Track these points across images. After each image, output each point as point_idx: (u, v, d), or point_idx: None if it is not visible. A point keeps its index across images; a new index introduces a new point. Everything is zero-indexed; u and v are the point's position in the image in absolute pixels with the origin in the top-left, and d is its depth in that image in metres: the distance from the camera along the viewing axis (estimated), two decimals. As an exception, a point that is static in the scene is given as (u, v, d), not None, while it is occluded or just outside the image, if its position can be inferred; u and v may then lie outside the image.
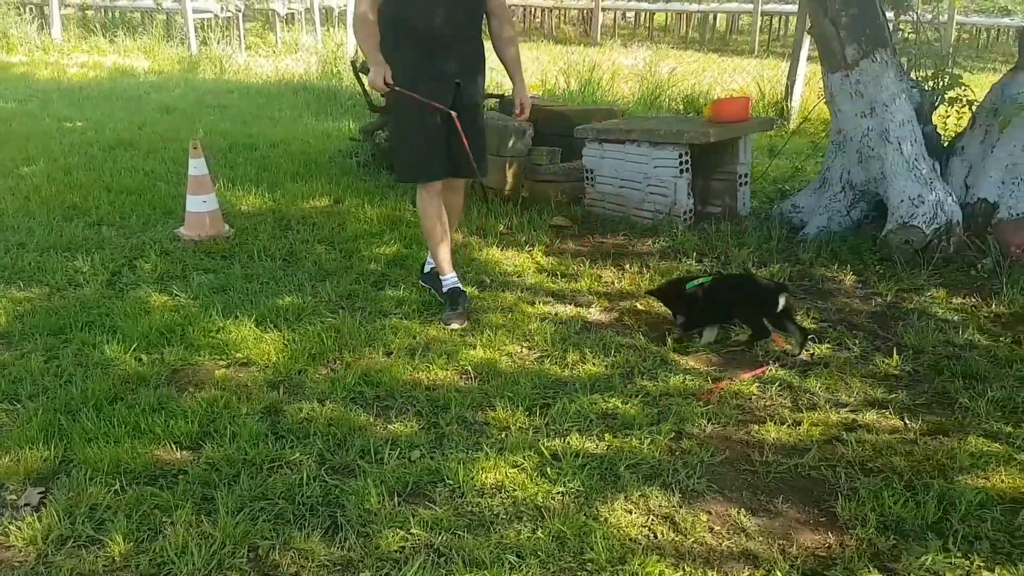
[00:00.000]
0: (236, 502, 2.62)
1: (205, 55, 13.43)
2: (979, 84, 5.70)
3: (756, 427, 3.14)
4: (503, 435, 3.03)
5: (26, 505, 2.60)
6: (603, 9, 20.60)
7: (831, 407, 3.28)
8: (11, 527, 2.49)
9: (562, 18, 23.00)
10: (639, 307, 4.20)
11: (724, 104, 5.85)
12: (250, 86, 11.62)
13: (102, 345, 3.63)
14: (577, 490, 2.71)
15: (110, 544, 2.42)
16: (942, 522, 2.58)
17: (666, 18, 23.24)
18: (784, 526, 2.60)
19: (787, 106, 9.59)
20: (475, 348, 3.69)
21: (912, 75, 5.29)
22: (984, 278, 4.57)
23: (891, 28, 5.21)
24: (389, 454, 2.89)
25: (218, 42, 14.07)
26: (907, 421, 3.19)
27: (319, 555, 2.42)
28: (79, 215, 5.41)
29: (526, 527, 2.53)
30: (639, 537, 2.52)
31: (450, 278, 4.15)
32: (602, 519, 2.58)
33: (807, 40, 8.75)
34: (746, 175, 5.72)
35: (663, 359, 3.67)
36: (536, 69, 12.45)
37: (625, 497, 2.69)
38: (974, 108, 5.17)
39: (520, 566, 2.37)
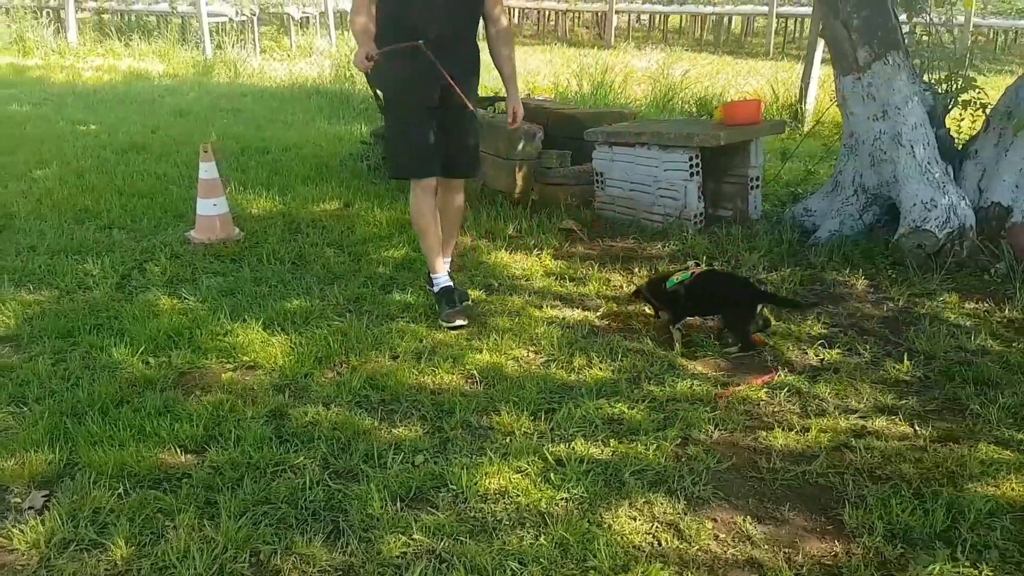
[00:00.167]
0: (239, 506, 2.61)
1: (220, 59, 13.50)
2: (995, 87, 5.65)
3: (764, 433, 3.11)
4: (507, 440, 3.01)
5: (30, 508, 2.61)
6: (617, 12, 20.55)
7: (840, 413, 3.25)
8: (14, 530, 2.49)
9: (576, 21, 22.98)
10: (647, 311, 4.18)
11: (735, 107, 5.82)
12: (264, 90, 11.67)
13: (110, 348, 3.64)
14: (581, 496, 2.69)
15: (112, 548, 2.42)
16: (951, 531, 2.55)
17: (680, 20, 23.17)
18: (790, 534, 2.57)
19: (801, 109, 9.52)
20: (481, 352, 3.68)
21: (925, 78, 5.24)
22: (997, 283, 4.52)
23: (904, 30, 5.16)
24: (393, 458, 2.88)
25: (232, 46, 14.13)
26: (917, 428, 3.15)
27: (320, 560, 2.41)
28: (90, 218, 5.44)
29: (529, 533, 2.52)
30: (643, 544, 2.49)
31: (441, 277, 4.15)
32: (606, 526, 2.56)
33: (821, 42, 8.69)
34: (757, 178, 5.68)
35: (671, 364, 3.64)
36: (549, 72, 12.45)
37: (629, 504, 2.67)
38: (988, 111, 5.12)
39: (522, 573, 2.36)
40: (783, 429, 3.12)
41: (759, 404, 3.33)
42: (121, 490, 2.69)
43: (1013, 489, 2.73)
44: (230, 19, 15.12)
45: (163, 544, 2.45)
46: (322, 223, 5.45)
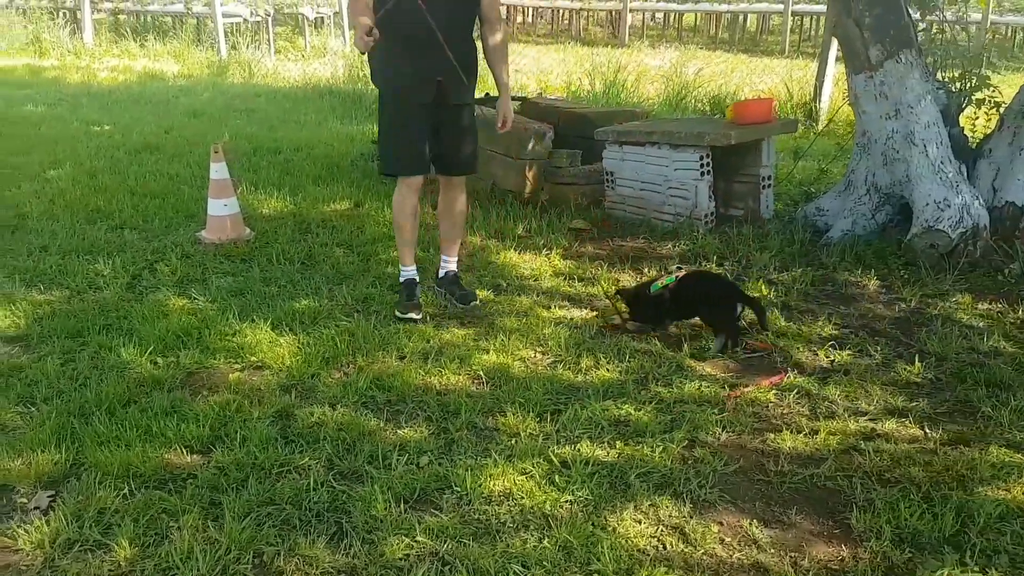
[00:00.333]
0: (243, 507, 2.61)
1: (234, 59, 13.55)
2: (1012, 85, 5.59)
3: (772, 436, 3.08)
4: (513, 441, 3.00)
5: (35, 508, 2.62)
6: (631, 10, 20.48)
7: (850, 416, 3.21)
8: (19, 530, 2.50)
9: (590, 19, 22.93)
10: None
11: (746, 106, 5.79)
12: (278, 90, 11.71)
13: (118, 348, 3.65)
14: (586, 499, 2.67)
15: (116, 549, 2.42)
16: (960, 535, 2.52)
17: (695, 18, 23.08)
18: (797, 538, 2.54)
19: (815, 107, 9.45)
20: (488, 353, 3.67)
21: (939, 76, 5.19)
22: (1011, 283, 4.47)
23: (917, 28, 5.11)
24: (397, 460, 2.88)
25: (247, 46, 14.18)
26: (927, 430, 3.11)
27: (323, 562, 2.41)
28: (102, 218, 5.47)
29: (533, 536, 2.50)
30: (647, 548, 2.47)
31: (410, 271, 4.23)
32: (610, 529, 2.54)
33: (835, 40, 8.63)
34: (769, 177, 5.64)
35: (679, 365, 3.62)
36: (561, 71, 12.43)
37: (635, 506, 2.65)
38: (1002, 110, 5.06)
39: (525, 576, 2.34)
40: (792, 431, 3.10)
41: (768, 406, 3.30)
42: (126, 490, 2.69)
43: (1024, 493, 2.70)
44: (245, 19, 15.18)
45: (167, 545, 2.45)
46: (332, 223, 5.46)
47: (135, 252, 4.88)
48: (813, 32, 20.14)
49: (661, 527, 2.57)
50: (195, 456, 2.92)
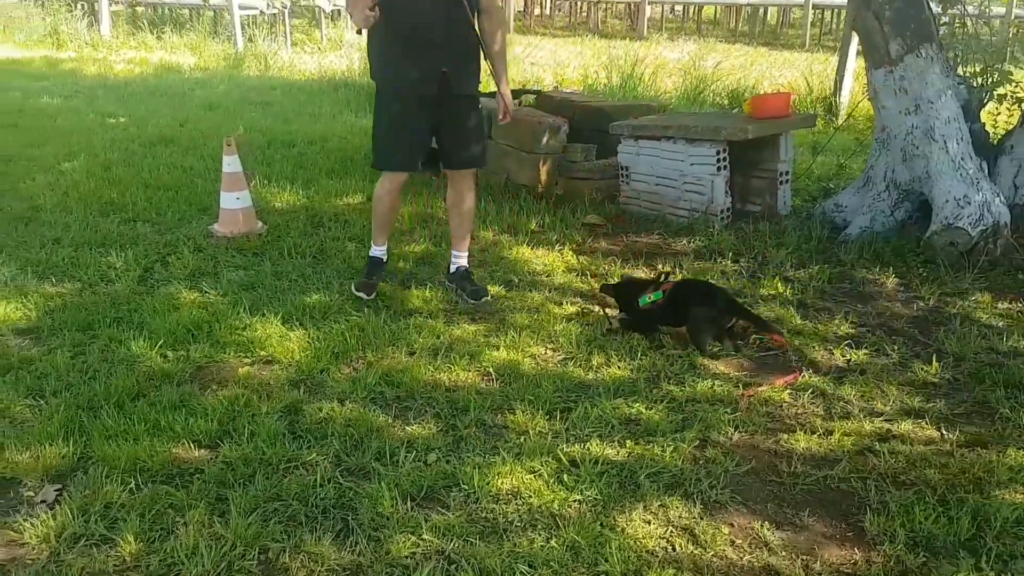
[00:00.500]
0: (250, 503, 2.60)
1: (250, 52, 13.56)
2: (1036, 80, 5.48)
3: (785, 436, 3.03)
4: (521, 439, 2.97)
5: (42, 502, 2.61)
6: (650, 3, 20.36)
7: (865, 416, 3.16)
8: (26, 524, 2.49)
9: (609, 12, 22.83)
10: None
11: (764, 100, 5.72)
12: (293, 83, 11.71)
13: (129, 341, 3.65)
14: (594, 498, 2.64)
15: (122, 544, 2.41)
16: (975, 539, 2.47)
17: (715, 11, 22.94)
18: (809, 541, 2.50)
19: (835, 102, 9.36)
20: (498, 349, 3.64)
21: (960, 71, 5.11)
22: (1032, 282, 4.40)
23: (938, 22, 5.03)
24: (405, 456, 2.85)
25: (263, 39, 14.19)
26: (944, 432, 3.06)
27: (329, 559, 2.39)
28: (116, 211, 5.47)
29: (540, 535, 2.47)
30: (656, 549, 2.44)
31: (379, 249, 4.35)
32: (619, 529, 2.51)
33: (855, 34, 8.53)
34: (787, 173, 5.57)
35: (691, 363, 3.57)
36: (578, 64, 12.36)
37: (644, 507, 2.62)
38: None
39: (531, 576, 2.32)
40: (805, 432, 3.05)
41: (782, 406, 3.25)
42: (133, 485, 2.68)
43: (1043, 497, 2.64)
44: (261, 12, 15.20)
45: (172, 540, 2.43)
46: (344, 217, 5.44)
47: (147, 245, 4.88)
48: (834, 26, 19.98)
49: (671, 528, 2.53)
50: (203, 451, 2.90)
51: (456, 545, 2.43)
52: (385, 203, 4.21)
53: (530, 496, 2.65)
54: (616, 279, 4.34)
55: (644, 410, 3.17)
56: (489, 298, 4.18)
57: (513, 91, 7.15)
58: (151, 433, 2.96)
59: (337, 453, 2.88)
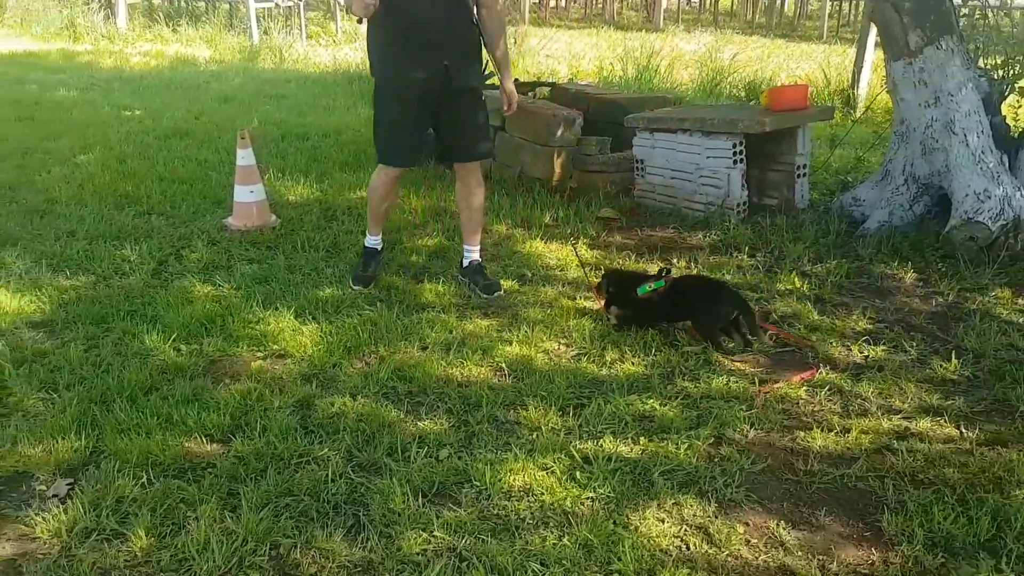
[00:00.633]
0: (261, 498, 2.59)
1: (265, 44, 13.58)
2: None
3: (802, 434, 2.99)
4: (534, 436, 2.94)
5: (54, 496, 2.61)
6: (666, -6, 20.25)
7: (883, 414, 3.12)
8: (38, 518, 2.49)
9: (624, 3, 22.71)
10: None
11: (781, 92, 5.65)
12: (308, 76, 11.71)
13: (142, 335, 3.65)
14: (608, 496, 2.61)
15: (133, 539, 2.41)
16: (995, 540, 2.43)
17: (732, 3, 22.78)
18: (825, 540, 2.46)
19: (853, 94, 9.26)
20: (511, 344, 3.61)
21: (980, 63, 5.03)
22: (1054, 278, 4.33)
23: (958, 13, 4.95)
24: (417, 452, 2.83)
25: (279, 31, 14.20)
26: (963, 430, 3.01)
27: (340, 555, 2.37)
28: (130, 204, 5.48)
29: (552, 533, 2.45)
30: (670, 548, 2.41)
31: (374, 239, 4.39)
32: (632, 528, 2.48)
33: (874, 26, 8.44)
34: (805, 166, 5.52)
35: (706, 359, 3.54)
36: (593, 56, 12.30)
37: (658, 505, 2.59)
38: (1047, 97, 4.90)
39: (544, 575, 2.29)
40: (822, 429, 3.01)
41: (798, 403, 3.21)
42: (145, 479, 2.68)
43: (1065, 498, 2.59)
44: (276, 4, 15.21)
45: (183, 536, 2.43)
46: (358, 210, 5.42)
47: (162, 238, 4.88)
48: (852, 17, 19.80)
49: (685, 527, 2.50)
50: (215, 445, 2.90)
51: (468, 542, 2.41)
52: (379, 194, 4.22)
53: (542, 493, 2.63)
54: (607, 271, 4.19)
55: (658, 407, 3.13)
56: (502, 292, 4.16)
57: (527, 83, 7.15)
58: (163, 427, 2.96)
59: (349, 448, 2.87)
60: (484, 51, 4.07)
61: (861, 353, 3.60)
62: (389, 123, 4.05)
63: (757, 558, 2.39)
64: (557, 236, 5.02)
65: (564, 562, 2.33)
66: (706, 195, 5.39)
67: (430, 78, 3.85)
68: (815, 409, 3.17)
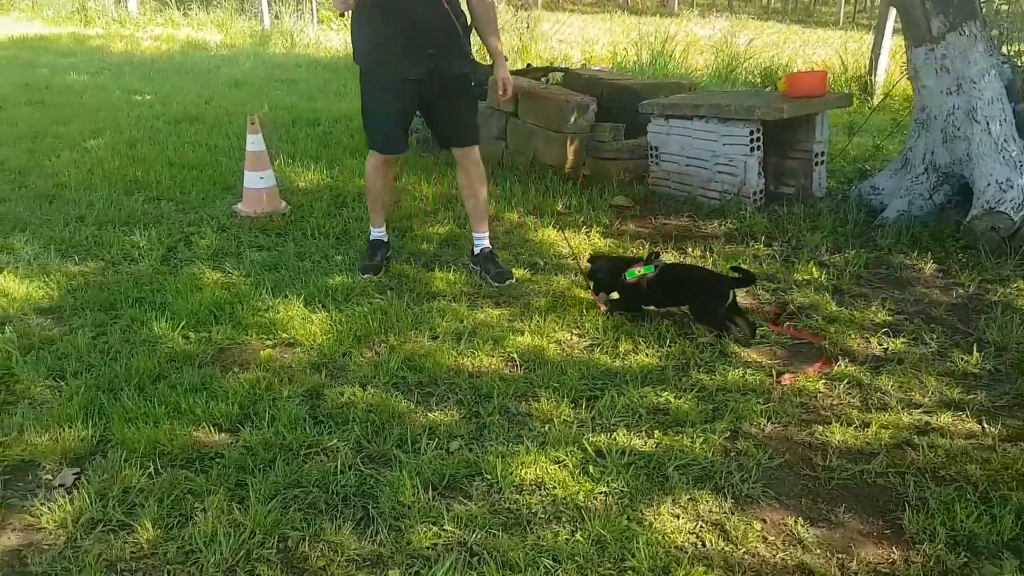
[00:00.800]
0: (269, 489, 2.55)
1: (277, 29, 13.53)
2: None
3: (820, 428, 2.93)
4: (546, 428, 2.89)
5: (60, 486, 2.58)
6: (680, -20, 20.07)
7: (903, 408, 3.05)
8: (43, 508, 2.46)
9: (638, -11, 22.52)
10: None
11: (799, 78, 5.56)
12: (319, 60, 11.66)
13: (151, 322, 3.61)
14: (621, 491, 2.56)
15: (139, 530, 2.38)
16: (1019, 539, 2.37)
17: (746, -11, 22.56)
18: (844, 538, 2.41)
19: (871, 81, 9.15)
20: (523, 334, 3.56)
21: (1004, 50, 4.92)
22: (1078, 269, 4.24)
23: (983, -2, 4.86)
24: (427, 444, 2.79)
25: (290, 16, 14.13)
26: (985, 425, 2.94)
27: (349, 548, 2.33)
28: (140, 189, 5.45)
29: (564, 528, 2.40)
30: (685, 545, 2.36)
31: (378, 231, 4.39)
32: (646, 523, 2.43)
33: (893, 11, 8.31)
34: (823, 154, 5.43)
35: (722, 351, 3.47)
36: (607, 41, 12.19)
37: (672, 500, 2.53)
38: (1072, 85, 4.79)
39: (556, 571, 2.25)
40: (841, 424, 2.94)
41: (816, 396, 3.15)
42: (152, 469, 2.65)
43: (1091, 496, 2.53)
44: (288, -12, 15.13)
45: (190, 527, 2.40)
46: (368, 197, 5.37)
47: (171, 224, 4.84)
48: (869, 3, 19.59)
49: (700, 523, 2.45)
50: (223, 435, 2.86)
51: (478, 536, 2.37)
52: (374, 179, 4.21)
53: (554, 487, 2.58)
54: (592, 255, 4.11)
55: (673, 399, 3.08)
56: (514, 281, 4.10)
57: (540, 68, 7.07)
58: (171, 416, 2.92)
59: (358, 439, 2.82)
60: (475, 36, 4.02)
61: (880, 345, 3.54)
62: (374, 112, 4.05)
63: (774, 556, 2.33)
64: (570, 224, 4.96)
65: (577, 558, 2.28)
66: (722, 183, 5.31)
67: (415, 68, 3.82)
68: (834, 403, 3.11)
